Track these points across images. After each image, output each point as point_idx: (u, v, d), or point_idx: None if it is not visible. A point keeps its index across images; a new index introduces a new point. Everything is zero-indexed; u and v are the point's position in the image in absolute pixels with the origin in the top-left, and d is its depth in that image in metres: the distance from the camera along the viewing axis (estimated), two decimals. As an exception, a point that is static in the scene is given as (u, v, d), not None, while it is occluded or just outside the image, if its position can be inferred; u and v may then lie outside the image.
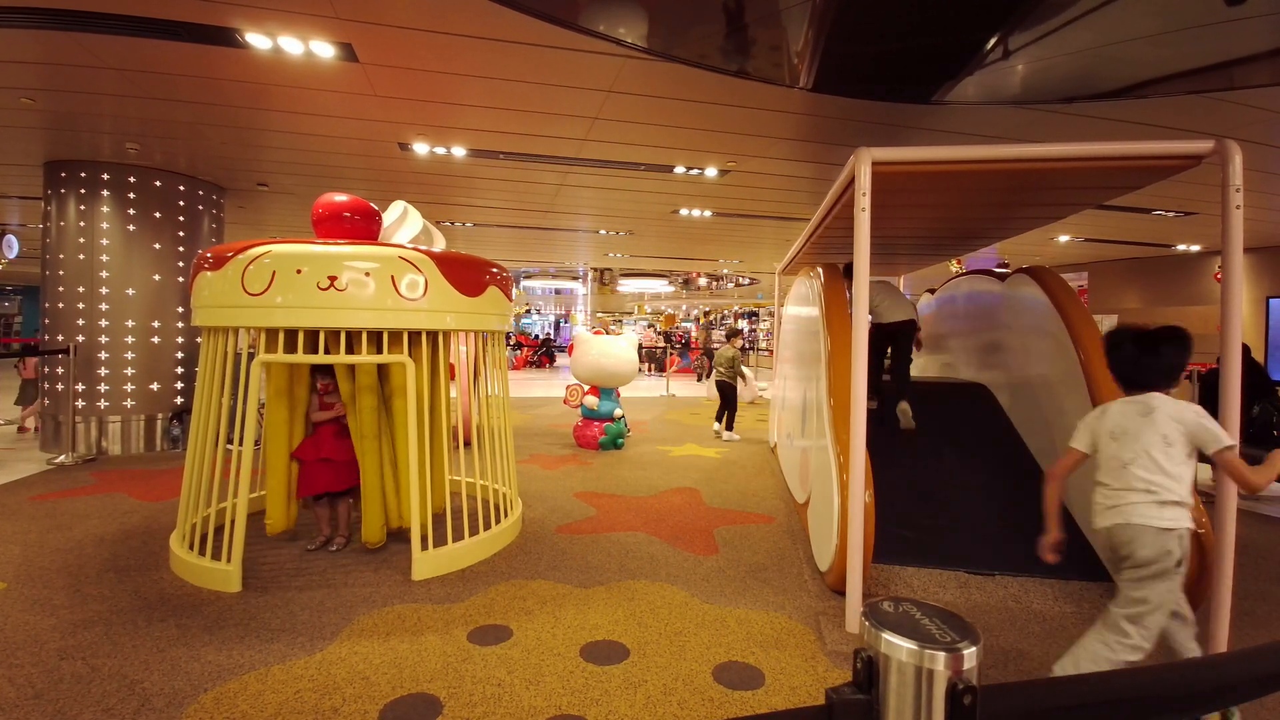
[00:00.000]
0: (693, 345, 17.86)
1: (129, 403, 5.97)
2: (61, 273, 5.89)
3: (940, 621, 0.50)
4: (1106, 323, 10.39)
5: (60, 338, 5.83)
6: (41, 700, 2.02)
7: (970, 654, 0.46)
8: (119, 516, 3.92)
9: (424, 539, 3.10)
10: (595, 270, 15.72)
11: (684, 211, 7.68)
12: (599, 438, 6.09)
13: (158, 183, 6.15)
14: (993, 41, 3.39)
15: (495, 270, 3.63)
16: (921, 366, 6.23)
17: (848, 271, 4.23)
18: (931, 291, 6.17)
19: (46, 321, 5.95)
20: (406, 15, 3.21)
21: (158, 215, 6.15)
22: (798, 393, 4.66)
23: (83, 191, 5.91)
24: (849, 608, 2.62)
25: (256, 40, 3.45)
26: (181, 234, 6.32)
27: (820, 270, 4.13)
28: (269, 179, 6.65)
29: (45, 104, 4.55)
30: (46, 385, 5.99)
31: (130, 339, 5.98)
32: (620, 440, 6.23)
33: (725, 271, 15.60)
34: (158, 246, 6.15)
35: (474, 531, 3.39)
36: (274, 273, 2.96)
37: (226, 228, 7.14)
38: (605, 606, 2.76)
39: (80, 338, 5.82)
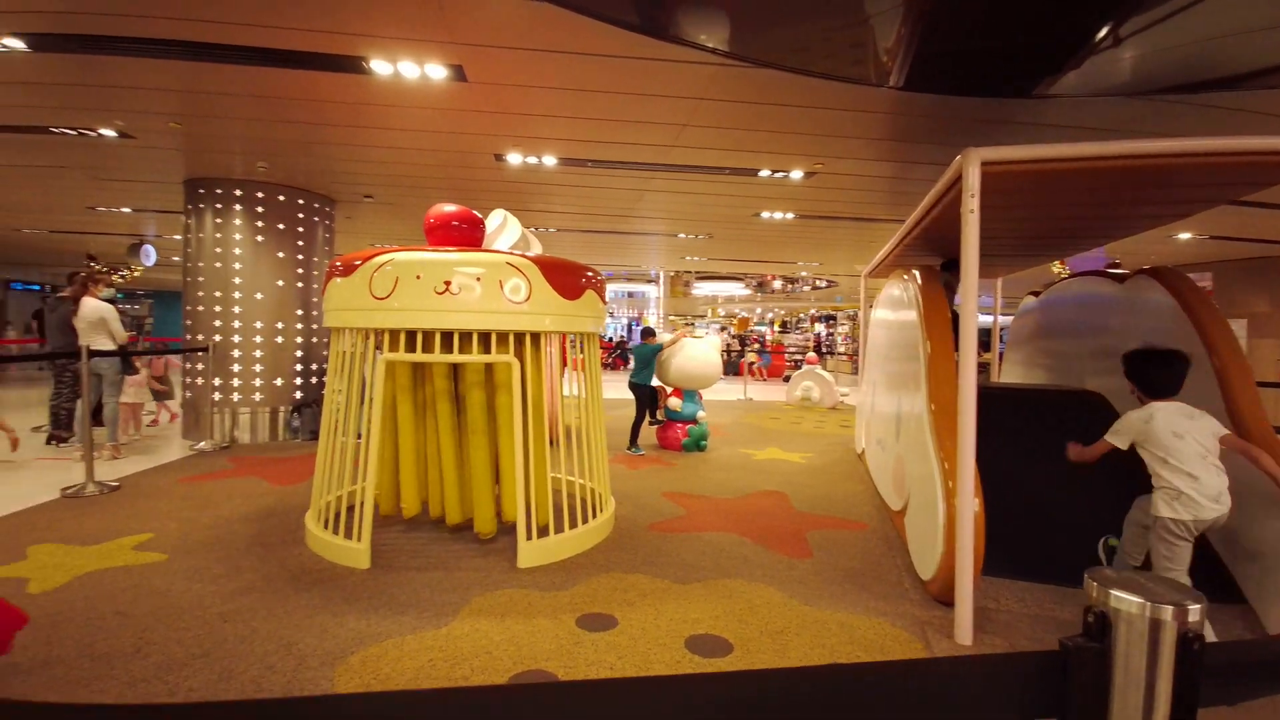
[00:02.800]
0: (770, 348, 17.62)
1: (256, 396, 6.59)
2: (201, 279, 6.57)
3: (1163, 585, 0.56)
4: (1237, 327, 9.49)
5: (200, 337, 6.51)
6: (209, 659, 2.30)
7: (1196, 610, 0.52)
8: (257, 497, 4.36)
9: (528, 530, 3.28)
10: (671, 273, 15.83)
11: (765, 214, 7.66)
12: (682, 439, 6.18)
13: (281, 197, 6.76)
14: (1104, 30, 3.23)
15: (591, 274, 3.79)
16: (1021, 373, 5.94)
17: (945, 272, 4.13)
18: (1035, 294, 5.88)
19: (188, 323, 6.66)
20: (512, 36, 3.42)
21: (281, 227, 6.76)
22: (890, 398, 4.57)
23: (218, 206, 6.57)
24: (959, 619, 2.57)
25: (379, 66, 3.76)
26: (300, 243, 6.92)
27: (917, 273, 4.04)
28: (374, 191, 7.15)
29: (188, 127, 5.11)
30: (188, 379, 6.70)
31: (258, 339, 6.60)
32: (704, 442, 6.29)
33: (803, 274, 15.34)
34: (280, 255, 6.76)
35: (572, 525, 3.55)
36: (397, 278, 3.23)
37: (336, 237, 7.74)
38: (704, 602, 2.83)
39: (216, 337, 6.48)
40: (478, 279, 3.23)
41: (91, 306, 5.57)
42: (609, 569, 3.22)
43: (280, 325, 6.74)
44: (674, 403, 6.29)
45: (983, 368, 7.18)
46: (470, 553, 3.40)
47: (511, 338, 3.36)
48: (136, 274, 15.36)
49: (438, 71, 3.81)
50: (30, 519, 3.82)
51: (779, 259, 12.41)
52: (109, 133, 5.19)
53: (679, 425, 6.26)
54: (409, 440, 3.67)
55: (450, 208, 3.87)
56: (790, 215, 7.71)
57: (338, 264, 3.57)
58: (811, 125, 4.59)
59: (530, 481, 3.35)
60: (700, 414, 6.30)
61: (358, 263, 3.40)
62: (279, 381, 6.72)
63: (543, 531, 3.40)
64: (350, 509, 3.68)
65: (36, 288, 21.56)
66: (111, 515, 3.91)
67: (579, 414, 3.83)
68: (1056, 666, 0.61)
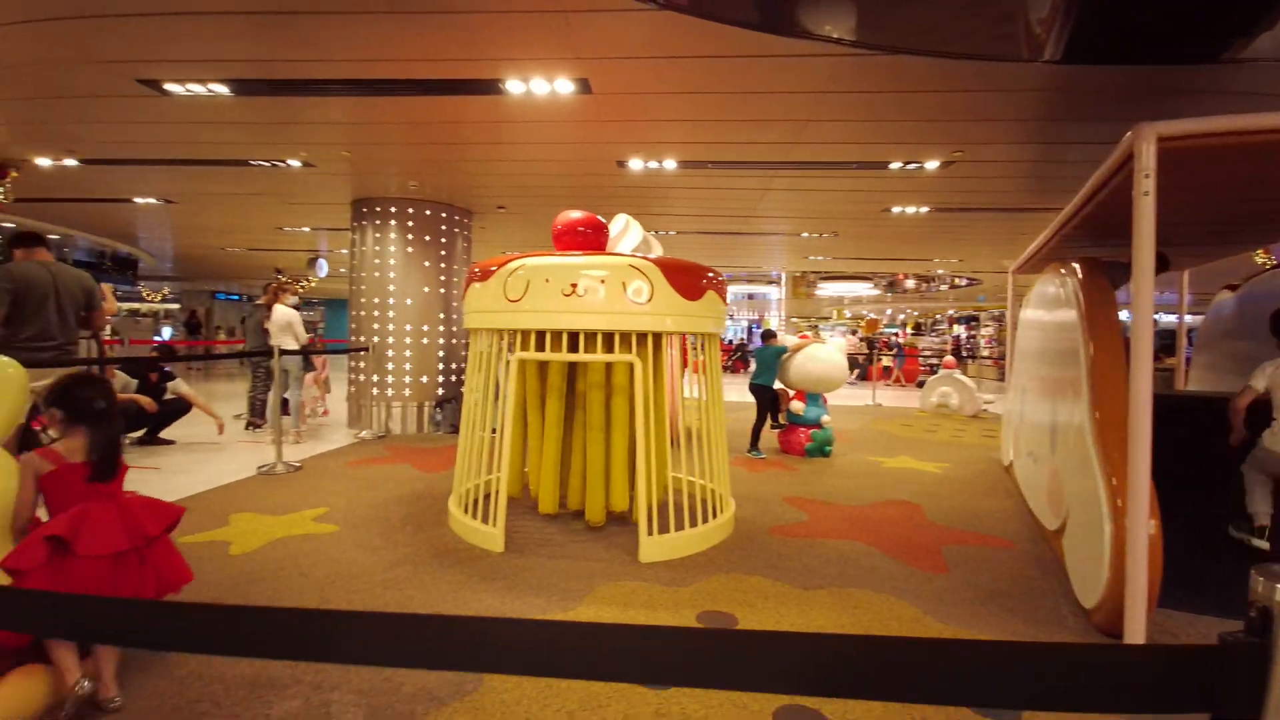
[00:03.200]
0: (907, 351, 16.52)
1: (406, 391, 7.30)
2: (363, 287, 7.40)
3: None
4: None
5: (362, 339, 7.33)
6: (375, 618, 2.59)
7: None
8: (408, 482, 4.84)
9: (649, 526, 3.35)
10: (795, 274, 15.41)
11: (896, 209, 7.23)
12: (805, 444, 5.99)
13: (427, 211, 7.44)
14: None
15: (712, 275, 3.80)
16: (1212, 379, 5.13)
17: (1114, 269, 3.67)
18: (1232, 288, 5.05)
19: (353, 326, 7.53)
20: (634, 46, 3.52)
21: (427, 239, 7.44)
22: (1044, 406, 4.13)
23: (378, 222, 7.37)
24: None
25: (514, 85, 4.03)
26: (443, 253, 7.58)
27: (1076, 266, 3.63)
28: (506, 201, 7.65)
29: (356, 154, 5.78)
30: (352, 376, 7.57)
31: (408, 340, 7.32)
32: (828, 448, 6.06)
33: (940, 271, 14.27)
34: (426, 264, 7.44)
35: (692, 524, 3.58)
36: (528, 282, 3.45)
37: (472, 245, 8.38)
38: (828, 610, 2.74)
39: (375, 339, 7.26)
40: (602, 281, 3.36)
41: (281, 312, 6.48)
42: (728, 569, 3.21)
43: (426, 328, 7.42)
44: (797, 406, 6.12)
45: (1165, 373, 6.26)
46: (593, 544, 3.54)
47: (634, 338, 3.45)
48: (312, 284, 17.61)
49: (565, 86, 4.02)
50: (232, 492, 4.51)
51: (912, 256, 11.65)
52: (295, 163, 6.01)
53: (802, 429, 6.08)
54: (538, 435, 3.89)
55: (575, 214, 4.05)
56: (924, 209, 7.22)
57: (476, 270, 3.87)
58: (948, 110, 4.28)
59: (651, 478, 3.42)
60: (825, 418, 6.08)
61: (493, 268, 3.67)
62: (424, 379, 7.40)
63: (662, 528, 3.45)
64: (486, 496, 3.96)
65: (236, 297, 25.44)
66: (296, 491, 4.52)
67: (699, 415, 3.85)
68: (1215, 662, 0.62)
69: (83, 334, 4.25)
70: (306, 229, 10.42)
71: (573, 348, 3.47)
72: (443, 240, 7.57)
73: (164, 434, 6.30)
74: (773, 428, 6.31)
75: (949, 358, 11.22)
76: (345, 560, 3.22)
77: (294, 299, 6.85)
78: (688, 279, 3.56)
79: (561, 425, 3.86)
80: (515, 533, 3.65)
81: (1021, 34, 3.45)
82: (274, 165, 6.12)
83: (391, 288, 7.30)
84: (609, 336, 3.45)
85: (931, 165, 5.45)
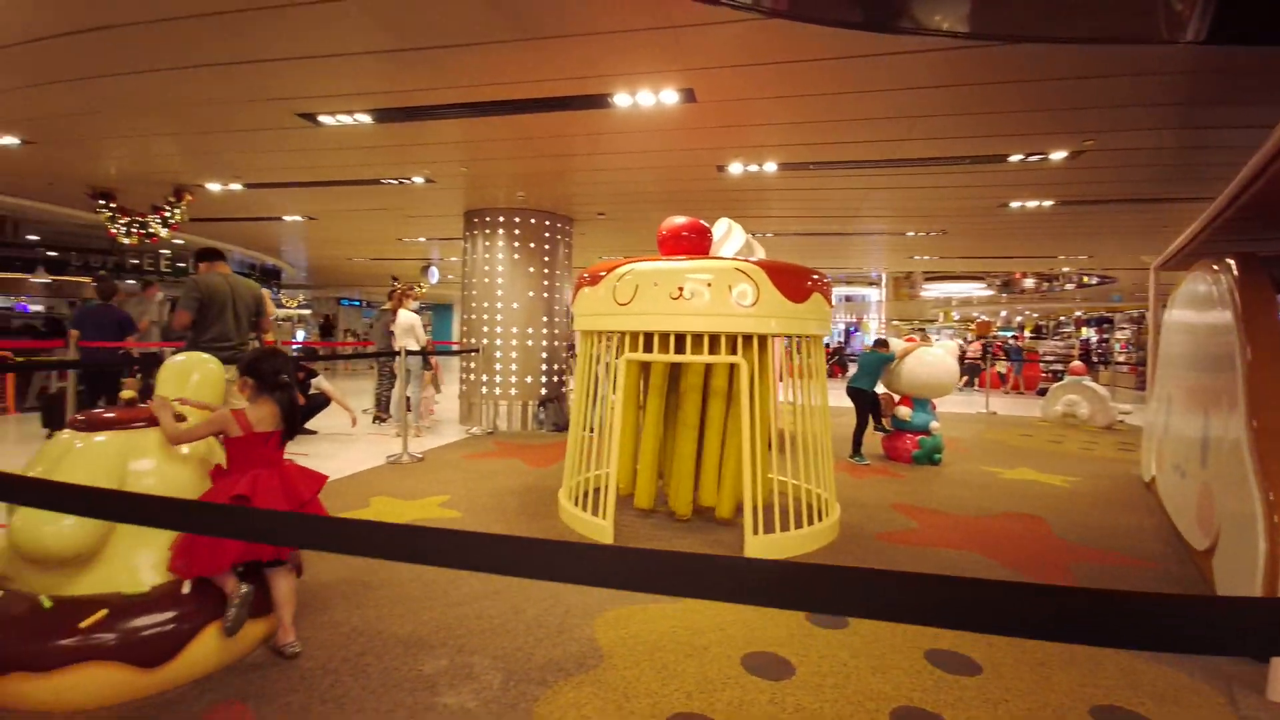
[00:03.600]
0: (1026, 355, 15.32)
1: (512, 391, 7.73)
2: (474, 293, 7.91)
3: None
4: None
5: (472, 340, 7.85)
6: (499, 597, 2.82)
7: None
8: (518, 475, 5.16)
9: (755, 525, 3.40)
10: (899, 274, 14.77)
11: (1015, 204, 6.81)
12: (912, 450, 5.78)
13: (532, 220, 7.85)
14: None
15: (817, 277, 3.79)
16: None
17: (1275, 265, 3.31)
18: None
19: (464, 329, 8.07)
20: (738, 54, 3.59)
21: (531, 246, 7.85)
22: (1194, 417, 3.77)
23: (487, 231, 7.86)
24: (1275, 674, 2.09)
25: (621, 99, 4.21)
26: (546, 259, 7.96)
27: (1231, 262, 3.30)
28: (606, 208, 7.92)
29: (472, 169, 6.21)
30: (463, 375, 8.12)
31: (514, 342, 7.75)
32: (937, 456, 5.81)
33: (1065, 269, 13.17)
34: (531, 270, 7.85)
35: (797, 526, 3.59)
36: (636, 286, 3.60)
37: (573, 251, 8.74)
38: (941, 618, 2.67)
39: (484, 341, 7.75)
40: (708, 284, 3.45)
41: (405, 316, 7.08)
42: (835, 572, 3.19)
43: (530, 330, 7.82)
44: (903, 411, 5.91)
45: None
46: (698, 539, 3.63)
47: (739, 339, 3.52)
48: (424, 290, 18.93)
49: (671, 97, 4.15)
50: (368, 478, 5.01)
51: (1032, 253, 10.86)
52: (419, 179, 6.56)
53: (908, 435, 5.86)
54: (646, 433, 4.04)
55: (680, 220, 4.17)
56: (1048, 203, 6.75)
57: (585, 275, 4.09)
58: (1076, 98, 4.02)
59: (757, 477, 3.46)
60: (934, 424, 5.83)
61: (602, 274, 3.86)
62: (529, 379, 7.80)
63: (767, 527, 3.49)
64: (595, 491, 4.15)
65: (356, 303, 27.82)
66: (421, 479, 4.95)
67: (796, 418, 3.85)
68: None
69: (252, 336, 4.88)
70: (422, 239, 11.25)
71: (678, 349, 3.59)
72: (546, 247, 7.95)
73: (308, 425, 7.06)
74: (876, 430, 6.12)
75: (1077, 363, 10.30)
76: (470, 543, 3.51)
77: (416, 304, 7.45)
78: (793, 281, 3.58)
79: (661, 423, 3.99)
80: (624, 527, 3.81)
81: (1160, 14, 3.20)
82: (400, 183, 6.71)
83: (499, 293, 7.76)
84: (714, 338, 3.54)
85: (1057, 156, 5.10)
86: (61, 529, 1.98)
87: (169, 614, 2.05)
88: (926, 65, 3.63)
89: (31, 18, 3.32)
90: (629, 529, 3.80)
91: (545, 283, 7.93)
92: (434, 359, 9.23)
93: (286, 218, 9.09)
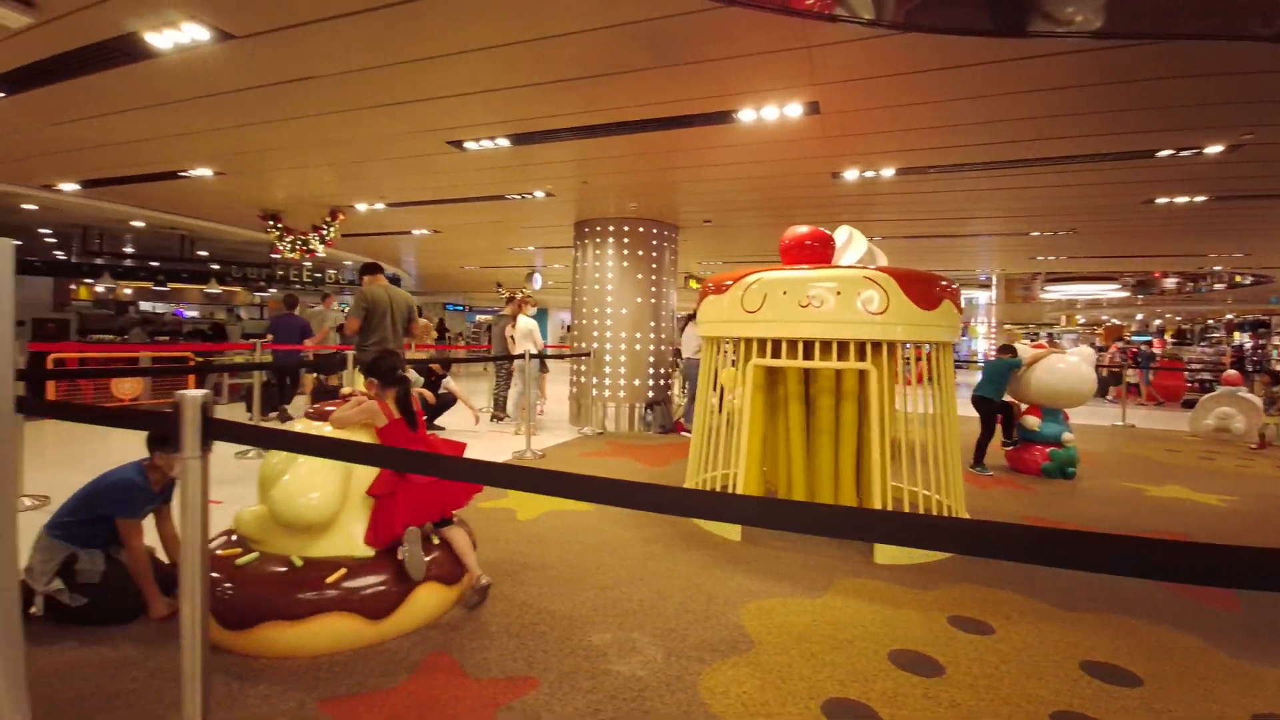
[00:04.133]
0: (1164, 363, 13.91)
1: (621, 393, 8.06)
2: (585, 299, 8.32)
3: None
4: None
5: (583, 345, 8.25)
6: (644, 583, 3.06)
7: None
8: (635, 474, 5.43)
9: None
10: (1009, 276, 13.94)
11: (1162, 200, 6.34)
12: (1041, 463, 5.52)
13: (640, 229, 8.15)
14: None
15: (946, 283, 3.78)
16: None
17: None
18: None
19: (575, 333, 8.50)
20: (866, 68, 3.66)
21: (640, 253, 8.15)
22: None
23: (597, 240, 8.24)
24: None
25: (745, 114, 4.38)
26: (654, 266, 8.24)
27: None
28: (713, 215, 8.09)
29: (591, 182, 6.57)
30: (572, 378, 8.55)
31: (622, 346, 8.08)
32: (1070, 469, 5.52)
33: (1216, 268, 11.92)
34: (639, 277, 8.15)
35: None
36: (765, 294, 3.75)
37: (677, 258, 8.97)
38: (1095, 632, 2.64)
39: (594, 345, 8.14)
40: (836, 292, 3.55)
41: (524, 321, 7.59)
42: (971, 580, 3.19)
43: (638, 335, 8.12)
44: (1031, 421, 5.66)
45: None
46: (825, 541, 3.72)
47: (868, 346, 3.58)
48: (527, 294, 19.88)
49: (795, 110, 4.26)
50: (501, 471, 5.44)
51: (1177, 252, 9.96)
52: (539, 194, 7.02)
53: (1037, 447, 5.61)
54: (770, 436, 4.18)
55: (802, 229, 4.28)
56: (1200, 198, 6.23)
57: (710, 284, 4.28)
58: (1234, 92, 3.77)
59: (886, 482, 3.51)
60: (1066, 436, 5.54)
61: (728, 283, 4.04)
62: (636, 382, 8.10)
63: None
64: (718, 490, 4.33)
65: (460, 307, 29.60)
66: (548, 475, 5.33)
67: (923, 427, 3.84)
68: None
69: (406, 339, 5.47)
70: (531, 248, 11.90)
71: (807, 355, 3.70)
72: (654, 254, 8.23)
73: (437, 421, 7.71)
74: (1004, 445, 5.88)
75: (1231, 371, 9.31)
76: (608, 534, 3.79)
77: (533, 309, 7.95)
78: (924, 288, 3.61)
79: (804, 428, 4.09)
80: (746, 527, 3.97)
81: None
82: (522, 197, 7.21)
83: (609, 299, 8.12)
84: (843, 345, 3.63)
85: (1213, 150, 4.75)
86: (310, 501, 2.40)
87: (388, 575, 2.44)
88: (1066, 65, 3.55)
89: (245, 71, 3.94)
90: (756, 529, 3.95)
91: (653, 289, 8.21)
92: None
93: (415, 231, 9.93)
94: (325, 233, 8.26)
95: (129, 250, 13.65)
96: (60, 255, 13.99)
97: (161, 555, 2.85)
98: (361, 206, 8.00)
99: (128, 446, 4.93)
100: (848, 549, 3.61)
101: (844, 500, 4.00)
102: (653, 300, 8.21)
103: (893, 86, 3.90)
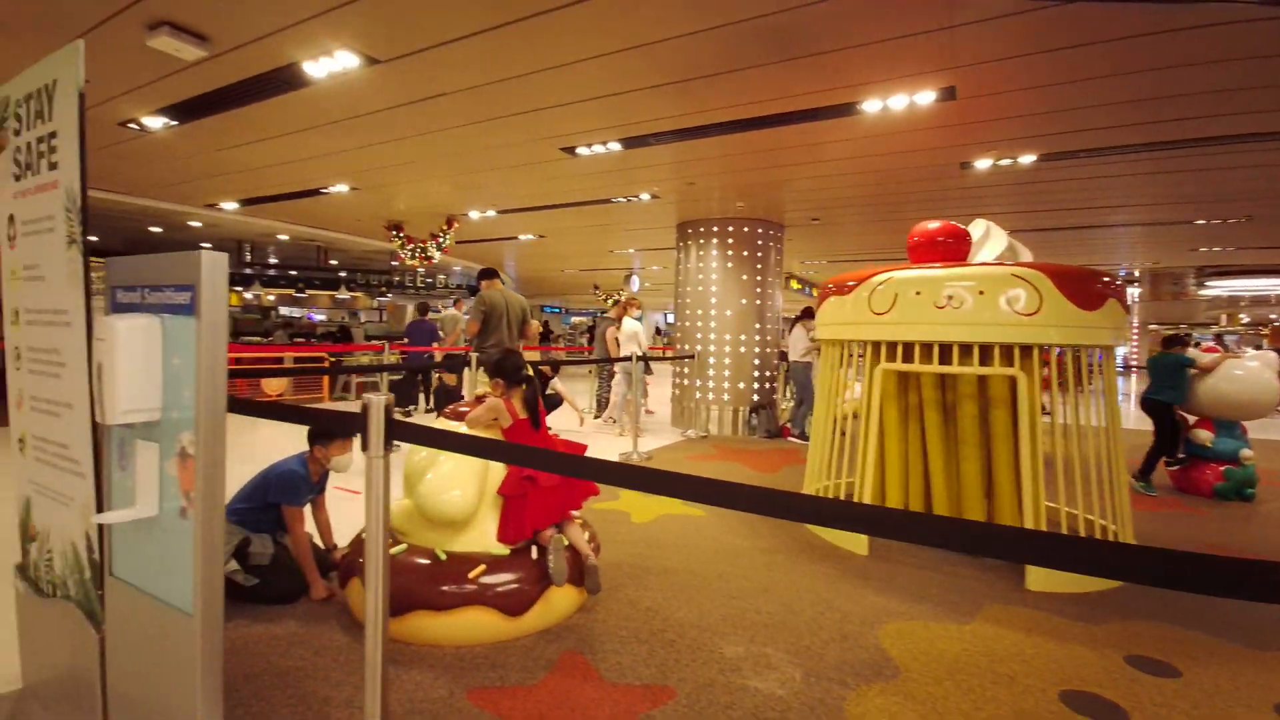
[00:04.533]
0: None
1: (725, 396, 7.95)
2: (688, 301, 8.27)
3: None
4: None
5: (686, 347, 8.21)
6: (769, 594, 2.96)
7: None
8: (747, 479, 5.31)
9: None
10: (1158, 270, 12.47)
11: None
12: (1214, 483, 4.85)
13: (745, 228, 7.99)
14: None
15: (1108, 279, 3.39)
16: None
17: None
18: None
19: (678, 335, 8.48)
20: (1013, 46, 3.35)
21: (745, 254, 7.99)
22: None
23: (700, 241, 8.17)
24: None
25: (870, 105, 4.15)
26: (758, 266, 8.05)
27: None
28: (821, 213, 7.80)
29: (699, 184, 6.51)
30: (675, 380, 8.53)
31: (727, 349, 7.96)
32: (1249, 490, 4.81)
33: None
34: (744, 278, 7.99)
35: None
36: (895, 295, 3.53)
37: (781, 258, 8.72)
38: (1310, 683, 2.25)
39: (699, 348, 8.07)
40: (980, 292, 3.27)
41: (629, 324, 7.66)
42: (1146, 616, 2.83)
43: (743, 338, 7.97)
44: (1203, 436, 4.98)
45: None
46: (964, 561, 3.45)
47: (1016, 350, 3.28)
48: (624, 296, 20.17)
49: (927, 97, 3.99)
50: (610, 472, 5.50)
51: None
52: (645, 196, 7.06)
53: (1210, 465, 4.93)
54: (896, 446, 3.93)
55: (933, 224, 3.99)
56: None
57: (830, 285, 4.09)
58: None
59: (1040, 500, 3.20)
60: (1245, 452, 4.84)
61: (850, 283, 3.84)
62: (741, 385, 7.95)
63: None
64: (836, 498, 4.14)
65: (557, 309, 30.54)
66: (657, 477, 5.32)
67: (1067, 441, 3.46)
68: None
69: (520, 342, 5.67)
70: (630, 250, 12.03)
71: (944, 359, 3.45)
72: (759, 254, 8.05)
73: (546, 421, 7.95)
74: (1167, 464, 5.19)
75: None
76: (725, 541, 3.71)
77: (638, 312, 8.01)
78: (1083, 285, 3.26)
79: (942, 438, 3.83)
80: (874, 541, 3.75)
81: None
82: (628, 200, 7.27)
83: (713, 300, 8.02)
84: (986, 349, 3.34)
85: None
86: (453, 498, 2.51)
87: (525, 573, 2.50)
88: (1247, 34, 3.07)
89: (385, 92, 4.21)
90: (885, 544, 3.73)
91: (758, 290, 8.03)
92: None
93: (521, 237, 10.31)
94: (441, 240, 8.75)
95: (273, 260, 15.18)
96: (217, 266, 15.79)
97: (318, 540, 3.11)
98: (474, 214, 8.40)
99: (278, 439, 5.43)
100: (989, 570, 3.32)
101: (1001, 518, 3.69)
102: (757, 301, 8.03)
103: (1042, 64, 3.55)
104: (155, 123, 4.93)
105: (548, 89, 4.08)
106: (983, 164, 5.35)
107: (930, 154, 5.17)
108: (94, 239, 9.10)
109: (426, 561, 2.50)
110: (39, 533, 1.88)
